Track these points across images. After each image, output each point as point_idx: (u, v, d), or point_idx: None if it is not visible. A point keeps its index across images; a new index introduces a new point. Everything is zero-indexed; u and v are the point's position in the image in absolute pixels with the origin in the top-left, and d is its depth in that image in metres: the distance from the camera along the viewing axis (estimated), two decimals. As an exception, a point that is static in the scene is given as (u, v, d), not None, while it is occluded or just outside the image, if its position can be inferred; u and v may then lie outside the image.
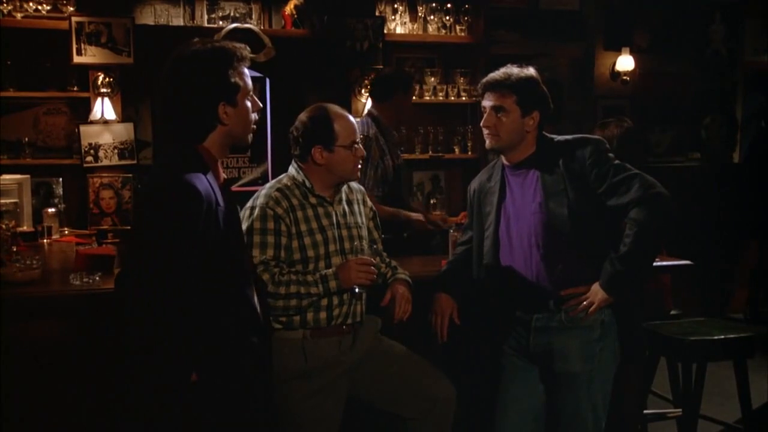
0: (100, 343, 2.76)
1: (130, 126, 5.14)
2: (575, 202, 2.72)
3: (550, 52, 6.26)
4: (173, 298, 2.06)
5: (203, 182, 2.17)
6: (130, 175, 5.17)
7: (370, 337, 2.96)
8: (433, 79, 5.80)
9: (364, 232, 3.02)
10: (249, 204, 2.86)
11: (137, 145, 5.17)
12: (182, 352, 2.09)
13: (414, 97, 5.59)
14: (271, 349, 2.66)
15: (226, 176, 2.38)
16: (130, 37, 5.01)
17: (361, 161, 2.94)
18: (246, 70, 2.33)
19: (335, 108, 2.90)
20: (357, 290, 2.83)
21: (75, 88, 5.07)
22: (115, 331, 2.15)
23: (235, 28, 5.22)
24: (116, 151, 5.09)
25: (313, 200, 2.89)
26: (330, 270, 2.80)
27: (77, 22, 4.93)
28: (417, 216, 4.09)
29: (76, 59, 4.95)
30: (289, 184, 2.90)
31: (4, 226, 3.95)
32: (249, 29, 5.27)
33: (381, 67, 5.48)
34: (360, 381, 2.90)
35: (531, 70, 2.88)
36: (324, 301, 2.81)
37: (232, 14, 5.46)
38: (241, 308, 2.27)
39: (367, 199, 3.13)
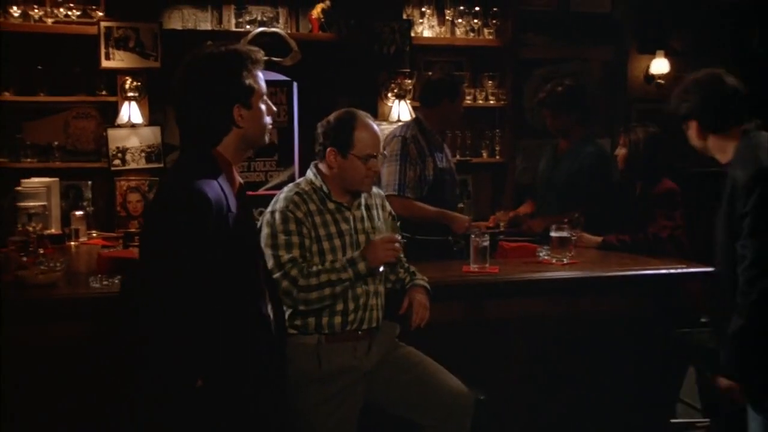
0: (118, 346, 2.78)
1: (157, 130, 5.19)
2: None
3: (580, 56, 6.21)
4: (177, 305, 2.08)
5: (214, 188, 2.18)
6: (157, 178, 5.21)
7: (386, 343, 2.96)
8: (461, 82, 5.77)
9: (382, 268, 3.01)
10: (269, 209, 2.87)
11: (164, 149, 5.23)
12: (185, 358, 2.10)
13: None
14: (285, 354, 2.68)
15: (241, 181, 2.39)
16: (158, 42, 5.07)
17: (376, 176, 2.97)
18: (260, 74, 2.34)
19: (364, 118, 2.90)
20: (381, 269, 2.85)
21: (103, 93, 5.14)
22: (120, 335, 2.17)
23: (261, 32, 5.25)
24: (143, 154, 5.15)
25: (331, 205, 2.90)
26: (356, 252, 2.82)
27: (106, 27, 5.00)
28: (461, 217, 4.08)
29: (105, 64, 5.02)
30: (307, 188, 2.91)
31: (31, 229, 4.01)
32: (276, 33, 5.30)
33: (408, 70, 5.49)
34: (376, 387, 2.89)
35: None
36: (339, 306, 2.82)
37: (259, 18, 5.49)
38: (249, 314, 2.27)
39: (387, 204, 3.12)
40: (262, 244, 2.78)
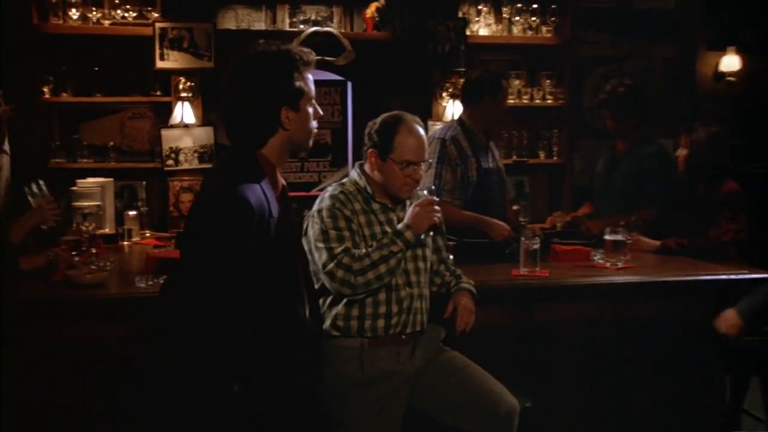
0: (153, 348, 2.81)
1: (210, 130, 5.24)
2: None
3: (643, 53, 6.04)
4: (216, 310, 2.08)
5: (256, 193, 2.17)
6: (210, 179, 5.26)
7: (431, 347, 2.92)
8: (517, 81, 5.70)
9: (427, 240, 2.97)
10: (315, 208, 2.86)
11: (217, 149, 5.27)
12: (223, 364, 2.10)
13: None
14: (325, 358, 2.67)
15: (284, 183, 2.38)
16: (211, 42, 5.12)
17: (417, 183, 2.89)
18: (311, 76, 2.32)
19: (411, 123, 2.85)
20: (423, 236, 2.84)
21: (158, 93, 5.22)
22: (156, 337, 2.18)
23: (314, 32, 5.26)
24: (196, 154, 5.21)
25: (375, 206, 2.88)
26: (399, 225, 2.79)
27: (161, 28, 5.07)
28: (499, 224, 3.96)
29: (159, 64, 5.09)
30: (351, 189, 2.89)
31: (83, 228, 4.08)
32: (329, 32, 5.30)
33: (463, 69, 5.43)
34: (419, 392, 2.85)
35: None
36: (382, 308, 2.80)
37: (313, 18, 5.50)
38: (288, 318, 2.26)
39: None
40: (311, 244, 2.78)
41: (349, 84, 5.70)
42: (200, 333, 2.07)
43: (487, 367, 2.92)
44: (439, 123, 5.27)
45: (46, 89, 5.07)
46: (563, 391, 3.32)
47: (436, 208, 2.81)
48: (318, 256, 2.75)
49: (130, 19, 5.15)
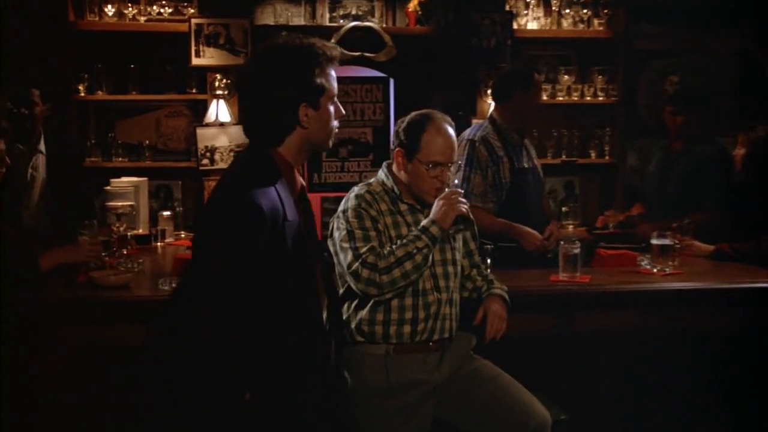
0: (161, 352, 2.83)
1: (246, 128, 5.27)
2: None
3: (703, 46, 5.89)
4: (224, 316, 2.08)
5: (269, 197, 2.15)
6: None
7: (459, 355, 2.89)
8: (567, 77, 5.63)
9: (458, 243, 2.95)
10: (340, 208, 2.86)
11: (254, 148, 5.30)
12: (232, 371, 2.10)
13: (545, 97, 5.54)
14: (347, 366, 2.66)
15: (303, 183, 2.37)
16: (248, 38, 5.16)
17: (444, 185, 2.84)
18: (333, 73, 2.29)
19: (440, 122, 2.83)
20: (452, 231, 2.82)
21: (194, 91, 5.28)
22: (164, 342, 2.20)
23: (354, 27, 5.27)
24: (232, 153, 5.26)
25: (403, 207, 2.87)
26: (424, 220, 2.77)
27: (196, 24, 5.14)
28: (531, 233, 3.86)
29: (195, 61, 5.16)
30: (378, 189, 2.88)
31: (114, 229, 4.14)
32: (369, 27, 5.31)
33: (504, 65, 5.37)
34: (446, 402, 2.82)
35: None
36: (408, 314, 2.78)
37: (354, 12, 5.50)
38: (304, 324, 2.25)
39: None
40: (337, 245, 2.77)
41: (392, 81, 5.69)
42: (204, 339, 2.08)
43: (522, 377, 2.88)
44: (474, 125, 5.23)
45: (81, 87, 5.18)
46: (601, 403, 3.26)
47: (462, 198, 2.77)
48: (343, 257, 2.74)
49: (165, 15, 5.24)
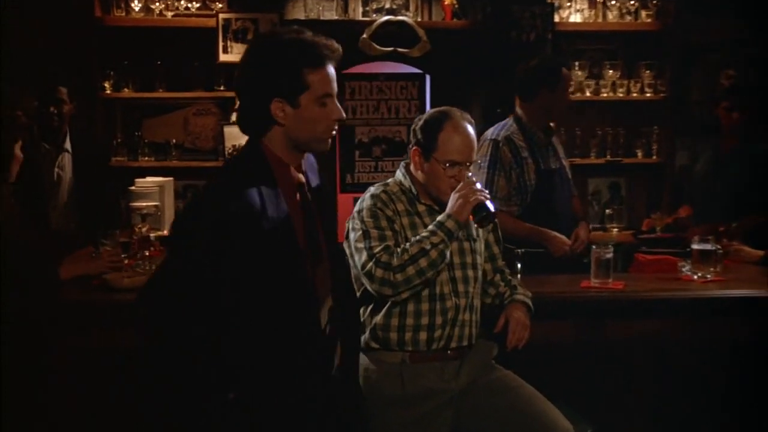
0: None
1: (274, 127, 5.30)
2: None
3: (760, 37, 5.74)
4: (192, 321, 2.12)
5: (243, 195, 2.15)
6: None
7: (479, 364, 2.86)
8: (612, 72, 5.54)
9: (479, 246, 2.92)
10: (356, 208, 2.86)
11: (282, 147, 5.32)
12: (204, 372, 2.13)
13: (588, 94, 5.47)
14: (355, 370, 2.65)
15: (302, 180, 2.33)
16: (277, 34, 5.17)
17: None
18: (329, 72, 2.24)
19: (458, 119, 2.81)
20: (474, 226, 2.80)
21: (221, 88, 5.32)
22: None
23: (387, 21, 5.26)
24: (260, 153, 5.27)
25: (420, 208, 2.86)
26: (440, 215, 2.74)
27: (224, 19, 5.18)
28: (559, 237, 3.81)
29: (222, 57, 5.20)
30: (395, 189, 2.87)
31: (137, 230, 4.19)
32: (402, 22, 5.29)
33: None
34: (464, 413, 2.80)
35: None
36: (424, 319, 2.76)
37: (387, 6, 5.49)
38: (294, 324, 2.23)
39: None
40: (352, 247, 2.77)
41: (428, 77, 5.67)
42: (173, 339, 2.13)
43: (547, 388, 2.84)
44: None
45: (107, 84, 5.25)
46: (631, 418, 3.21)
47: (477, 187, 2.73)
48: (358, 258, 2.73)
49: (193, 9, 5.29)
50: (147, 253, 3.90)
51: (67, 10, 5.11)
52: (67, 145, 4.55)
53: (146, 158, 5.29)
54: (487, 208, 2.73)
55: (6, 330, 2.85)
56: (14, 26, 5.10)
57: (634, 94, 5.57)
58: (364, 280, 2.73)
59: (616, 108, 5.64)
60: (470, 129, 2.82)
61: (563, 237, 3.78)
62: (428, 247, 2.67)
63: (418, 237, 2.72)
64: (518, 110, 4.01)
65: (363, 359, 2.83)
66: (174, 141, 5.37)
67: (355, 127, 5.60)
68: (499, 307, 2.94)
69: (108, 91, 5.27)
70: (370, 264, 2.68)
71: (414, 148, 2.84)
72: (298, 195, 2.30)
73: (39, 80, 4.52)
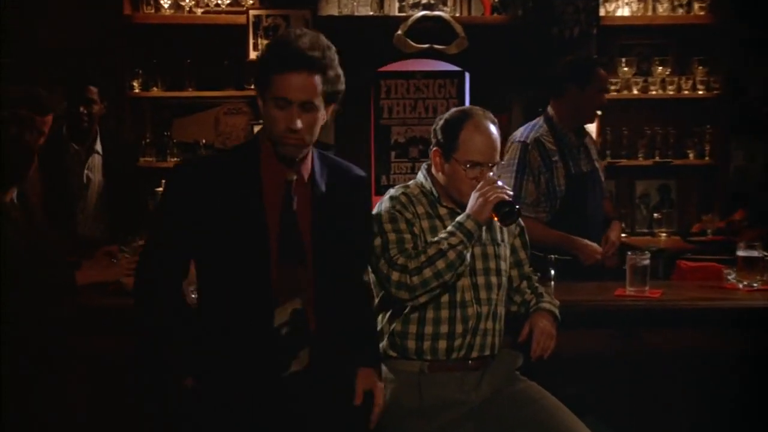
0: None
1: (306, 127, 5.31)
2: None
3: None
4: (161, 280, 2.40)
5: (213, 167, 2.40)
6: (305, 180, 5.34)
7: (501, 375, 2.84)
8: (661, 69, 5.45)
9: (504, 251, 2.89)
10: (374, 210, 2.86)
11: (316, 147, 5.33)
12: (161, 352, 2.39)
13: (636, 91, 5.40)
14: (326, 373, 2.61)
15: (290, 178, 2.37)
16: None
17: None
18: (295, 78, 2.24)
19: (480, 119, 2.79)
20: (499, 226, 2.80)
21: (252, 86, 5.34)
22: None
23: (423, 17, 5.25)
24: (291, 153, 5.29)
25: (442, 210, 2.84)
26: (460, 216, 2.72)
27: (255, 16, 5.21)
28: (590, 245, 3.77)
29: (253, 55, 5.23)
30: (415, 192, 2.86)
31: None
32: (439, 17, 5.27)
33: (594, 57, 5.23)
34: (485, 425, 2.77)
35: None
36: (443, 327, 2.75)
37: (424, 1, 5.47)
38: (243, 317, 2.35)
39: None
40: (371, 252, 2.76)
41: (467, 75, 5.65)
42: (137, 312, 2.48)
43: (576, 401, 2.79)
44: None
45: (135, 83, 5.32)
46: (664, 432, 3.15)
47: (498, 184, 2.70)
48: (375, 261, 2.73)
49: (223, 6, 5.33)
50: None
51: (96, 7, 5.19)
52: (98, 146, 4.58)
53: (175, 159, 5.34)
54: (510, 204, 2.70)
55: (17, 334, 2.92)
56: (42, 24, 5.23)
57: (686, 92, 5.47)
58: (381, 284, 2.73)
59: (666, 106, 5.55)
60: (493, 128, 2.79)
61: (594, 245, 3.73)
62: (446, 248, 2.65)
63: (436, 238, 2.71)
64: (549, 109, 3.98)
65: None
66: (204, 141, 5.42)
67: (391, 127, 5.61)
68: (524, 315, 2.91)
69: (136, 90, 5.33)
70: (387, 267, 2.68)
71: (434, 148, 2.83)
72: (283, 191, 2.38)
73: (68, 79, 4.57)
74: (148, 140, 5.40)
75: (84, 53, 5.15)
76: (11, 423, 2.84)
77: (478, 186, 2.72)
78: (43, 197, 4.07)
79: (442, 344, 2.75)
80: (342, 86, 2.35)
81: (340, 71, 2.34)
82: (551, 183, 3.81)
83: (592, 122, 4.56)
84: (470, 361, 2.78)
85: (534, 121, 3.98)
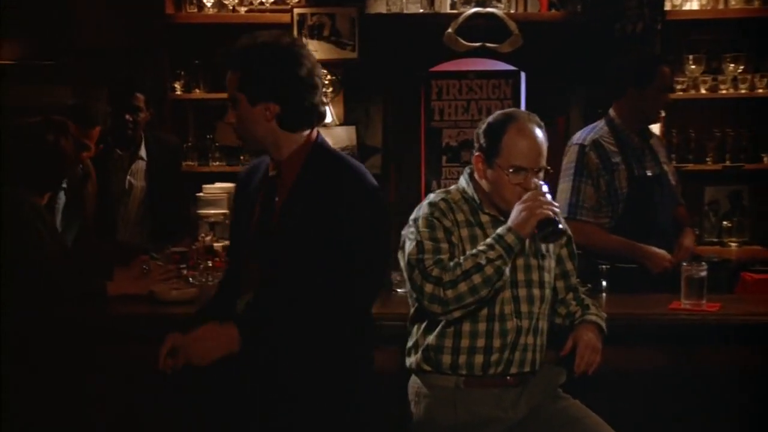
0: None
1: (351, 129, 5.36)
2: None
3: None
4: None
5: (252, 166, 2.79)
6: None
7: (542, 392, 2.83)
8: (732, 66, 5.36)
9: (549, 262, 2.89)
10: (412, 216, 2.88)
11: (361, 151, 5.38)
12: None
13: (704, 90, 5.31)
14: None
15: (272, 174, 2.64)
16: (356, 29, 5.24)
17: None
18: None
19: (524, 122, 2.79)
20: (541, 242, 2.79)
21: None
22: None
23: (475, 13, 5.25)
24: (337, 157, 5.33)
25: (484, 218, 2.84)
26: (501, 228, 2.70)
27: (299, 14, 5.28)
28: (659, 253, 3.73)
29: (297, 56, 5.27)
30: (456, 197, 2.87)
31: (200, 239, 4.31)
32: (492, 14, 5.26)
33: (658, 54, 5.17)
34: (523, 445, 2.77)
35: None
36: (480, 341, 2.75)
37: (477, -3, 5.47)
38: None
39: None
40: (405, 258, 2.78)
41: (523, 75, 5.62)
42: None
43: (623, 420, 2.78)
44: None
45: (177, 85, 5.42)
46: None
47: (545, 198, 2.69)
48: (409, 271, 2.74)
49: (267, 5, 5.40)
50: (210, 264, 4.01)
51: (138, 7, 5.31)
52: (142, 152, 4.66)
53: (217, 163, 5.42)
54: (555, 224, 2.68)
55: (46, 342, 3.02)
56: (84, 25, 5.37)
57: (760, 90, 5.36)
58: (415, 295, 2.74)
59: (738, 106, 5.46)
60: (538, 132, 2.79)
61: (663, 252, 3.68)
62: (484, 262, 2.65)
63: (473, 251, 2.70)
64: (611, 110, 3.96)
65: (415, 381, 2.86)
66: (248, 145, 5.48)
67: (442, 130, 5.61)
68: (568, 328, 2.91)
69: (178, 92, 5.44)
70: (420, 278, 2.69)
71: (477, 154, 2.83)
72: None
73: (114, 86, 4.66)
74: (189, 144, 5.48)
75: (125, 54, 5.28)
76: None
77: (524, 197, 2.70)
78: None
79: (479, 359, 2.75)
80: (274, 84, 2.53)
81: (271, 70, 2.52)
82: (612, 186, 3.78)
83: (656, 123, 4.53)
84: (509, 377, 2.78)
85: (594, 123, 3.98)
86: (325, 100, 2.83)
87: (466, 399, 2.75)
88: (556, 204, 2.73)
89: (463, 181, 2.92)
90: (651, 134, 3.97)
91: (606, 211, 3.78)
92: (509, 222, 2.70)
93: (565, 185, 3.80)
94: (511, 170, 2.74)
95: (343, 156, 2.68)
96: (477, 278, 2.64)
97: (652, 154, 3.95)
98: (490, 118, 2.85)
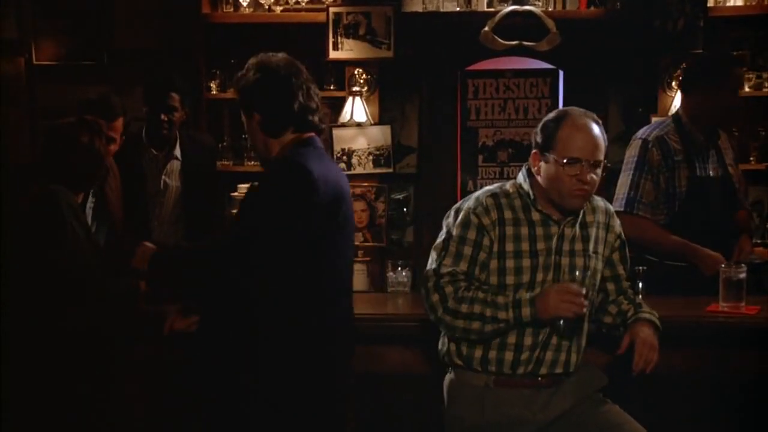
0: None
1: (386, 129, 5.36)
2: None
3: None
4: None
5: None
6: (385, 185, 5.39)
7: (576, 395, 2.81)
8: (776, 64, 5.28)
9: (596, 264, 2.87)
10: (456, 205, 2.90)
11: (397, 151, 5.38)
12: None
13: (747, 89, 5.25)
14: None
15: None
16: (391, 28, 5.24)
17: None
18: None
19: (577, 117, 2.81)
20: (561, 323, 2.71)
21: (332, 87, 5.42)
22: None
23: (512, 12, 5.22)
24: (371, 157, 5.35)
25: (535, 216, 2.83)
26: (527, 294, 2.72)
27: (335, 13, 5.28)
28: (712, 255, 3.66)
29: (332, 54, 5.30)
30: (511, 191, 2.87)
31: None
32: (529, 12, 5.23)
33: (699, 51, 5.11)
34: (553, 449, 2.75)
35: None
36: (511, 338, 2.75)
37: (516, -5, 5.43)
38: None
39: (615, 224, 2.96)
40: (432, 248, 2.83)
41: (561, 73, 5.58)
42: None
43: (659, 427, 2.78)
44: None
45: (213, 84, 5.45)
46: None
47: (578, 299, 2.67)
48: (429, 264, 2.81)
49: (303, 3, 5.41)
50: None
51: (174, 7, 5.36)
52: (177, 151, 4.69)
53: (252, 162, 5.44)
54: (576, 322, 2.73)
55: (71, 341, 3.05)
56: (120, 25, 5.43)
57: (808, 90, 5.29)
58: (422, 290, 2.79)
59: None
60: (594, 126, 2.80)
61: (717, 255, 3.63)
62: (489, 317, 2.70)
63: (489, 299, 2.71)
64: (679, 108, 3.97)
65: (449, 377, 2.89)
66: (283, 145, 5.50)
67: (478, 129, 5.58)
68: (620, 327, 2.89)
69: (214, 92, 5.47)
70: (432, 284, 2.75)
71: (534, 152, 2.84)
72: None
73: (150, 85, 4.69)
74: (225, 143, 5.51)
75: (161, 54, 5.33)
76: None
77: (566, 288, 2.70)
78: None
79: (509, 355, 2.75)
80: (252, 96, 2.90)
81: (250, 84, 2.92)
82: (671, 183, 3.76)
83: (729, 124, 4.48)
84: (540, 378, 2.77)
85: (661, 120, 4.01)
86: (314, 105, 2.86)
87: (494, 398, 2.76)
88: (587, 304, 2.73)
89: (521, 176, 2.92)
90: (719, 135, 3.93)
91: (663, 208, 3.77)
92: (538, 301, 2.69)
93: (624, 179, 3.80)
94: (565, 161, 2.74)
95: (304, 152, 2.76)
96: (475, 325, 2.71)
97: (718, 154, 3.91)
98: (546, 117, 2.88)
